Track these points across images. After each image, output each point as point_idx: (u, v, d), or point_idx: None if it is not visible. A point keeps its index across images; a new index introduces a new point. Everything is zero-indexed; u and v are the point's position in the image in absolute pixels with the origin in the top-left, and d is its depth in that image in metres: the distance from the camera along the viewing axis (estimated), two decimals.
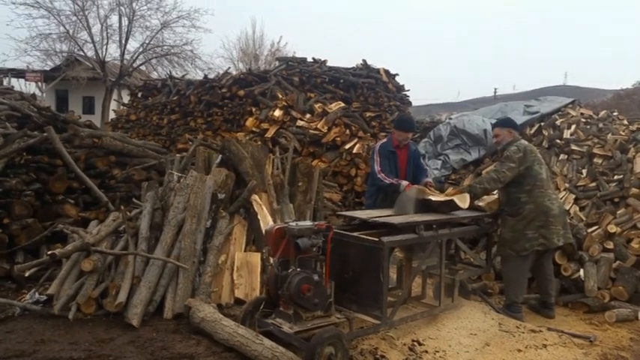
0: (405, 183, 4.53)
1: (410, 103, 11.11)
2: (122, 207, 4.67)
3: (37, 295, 3.88)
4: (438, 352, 3.37)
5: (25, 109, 6.07)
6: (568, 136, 6.62)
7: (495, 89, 35.67)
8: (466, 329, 3.72)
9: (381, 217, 3.82)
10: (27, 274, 4.09)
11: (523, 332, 3.75)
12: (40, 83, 21.98)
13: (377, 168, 4.75)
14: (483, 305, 4.32)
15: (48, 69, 21.42)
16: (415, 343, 3.44)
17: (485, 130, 7.16)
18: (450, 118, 8.12)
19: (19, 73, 21.55)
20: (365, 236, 3.53)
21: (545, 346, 3.55)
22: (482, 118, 7.59)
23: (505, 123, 4.51)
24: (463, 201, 4.03)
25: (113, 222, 4.43)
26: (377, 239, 3.40)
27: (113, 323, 3.56)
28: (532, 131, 7.06)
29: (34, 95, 7.97)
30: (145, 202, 4.66)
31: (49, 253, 3.88)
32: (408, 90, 10.76)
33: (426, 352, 3.37)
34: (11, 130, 5.41)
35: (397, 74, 10.52)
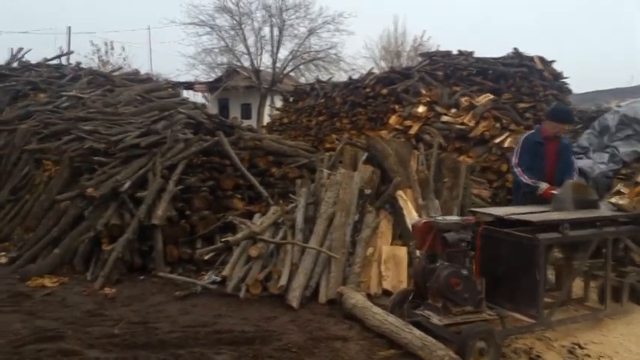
0: (543, 186, 4.16)
1: (570, 91, 10.09)
2: (280, 202, 5.15)
3: (213, 277, 4.52)
4: (602, 357, 3.13)
5: (198, 117, 7.04)
6: None
7: None
8: (636, 336, 3.37)
9: (524, 214, 3.60)
10: (206, 258, 4.78)
11: None
12: (205, 93, 24.95)
13: (514, 161, 4.41)
14: None
15: (211, 80, 24.21)
16: (575, 346, 3.23)
17: None
18: (619, 106, 7.22)
19: (188, 86, 24.75)
20: (519, 232, 3.39)
21: None
22: None
23: None
24: None
25: (273, 215, 4.92)
26: (532, 236, 3.25)
27: (276, 303, 4.00)
28: None
29: (204, 105, 9.15)
30: (299, 198, 5.09)
31: (223, 240, 4.50)
32: (567, 77, 9.80)
33: (588, 356, 3.14)
34: (189, 136, 6.32)
35: (554, 61, 9.66)
